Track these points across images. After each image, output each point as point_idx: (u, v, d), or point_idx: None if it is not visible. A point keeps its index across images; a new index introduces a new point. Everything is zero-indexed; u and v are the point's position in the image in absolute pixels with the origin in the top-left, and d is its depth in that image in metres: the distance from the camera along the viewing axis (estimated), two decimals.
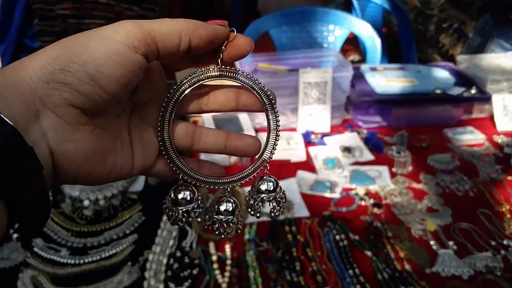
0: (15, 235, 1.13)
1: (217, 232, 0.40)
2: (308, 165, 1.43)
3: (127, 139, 0.39)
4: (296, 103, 1.54)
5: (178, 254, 1.07)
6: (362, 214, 1.24)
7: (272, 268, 1.05)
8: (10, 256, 1.08)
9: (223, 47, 0.38)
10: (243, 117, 1.44)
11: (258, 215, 0.40)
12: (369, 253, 1.10)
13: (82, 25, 1.99)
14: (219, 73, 0.38)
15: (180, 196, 0.39)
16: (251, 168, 0.41)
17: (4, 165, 0.28)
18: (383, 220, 1.21)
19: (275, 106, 0.39)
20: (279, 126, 0.41)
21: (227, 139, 0.41)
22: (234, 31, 0.38)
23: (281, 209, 0.41)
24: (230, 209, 0.39)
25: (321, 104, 1.53)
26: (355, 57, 2.91)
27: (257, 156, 0.41)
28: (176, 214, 0.39)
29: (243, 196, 1.26)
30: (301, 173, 1.39)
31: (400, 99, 1.61)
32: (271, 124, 0.40)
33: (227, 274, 1.03)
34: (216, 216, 0.39)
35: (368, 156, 1.47)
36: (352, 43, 2.75)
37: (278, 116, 0.40)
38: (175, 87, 0.38)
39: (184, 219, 0.39)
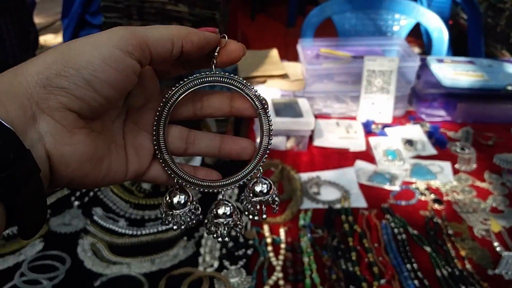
0: (76, 203, 1.17)
1: (215, 235, 0.40)
2: (367, 155, 1.39)
3: (121, 143, 0.39)
4: (357, 91, 1.50)
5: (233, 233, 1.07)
6: (422, 209, 1.19)
7: (327, 256, 1.03)
8: (71, 222, 1.12)
9: (216, 53, 0.38)
10: (302, 101, 1.42)
11: (254, 217, 0.41)
12: (428, 249, 1.06)
13: (145, 3, 2.02)
14: (213, 78, 0.39)
15: (175, 199, 0.39)
16: (244, 171, 0.41)
17: (2, 167, 0.29)
18: (443, 216, 1.17)
19: (267, 111, 0.39)
20: (272, 130, 0.41)
21: (221, 143, 0.42)
22: (225, 37, 0.39)
23: (277, 209, 0.41)
24: (228, 212, 0.39)
25: (385, 93, 1.49)
26: (415, 49, 2.82)
27: (250, 162, 0.41)
28: (172, 217, 0.39)
29: (298, 181, 1.24)
30: (359, 163, 1.35)
31: (468, 93, 1.53)
32: (264, 129, 0.40)
33: (281, 257, 1.02)
34: (215, 220, 0.39)
35: (431, 150, 1.41)
36: (413, 35, 2.65)
37: (270, 121, 0.40)
38: (170, 92, 0.39)
39: (180, 222, 0.40)
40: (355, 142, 1.43)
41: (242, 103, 0.41)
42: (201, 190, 0.41)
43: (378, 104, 1.50)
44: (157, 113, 0.39)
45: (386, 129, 1.49)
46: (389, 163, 1.34)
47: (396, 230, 1.11)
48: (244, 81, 0.39)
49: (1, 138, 0.29)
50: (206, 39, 0.37)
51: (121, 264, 1.00)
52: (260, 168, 0.40)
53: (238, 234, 0.42)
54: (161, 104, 0.39)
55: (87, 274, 0.97)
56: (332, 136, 1.43)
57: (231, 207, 0.40)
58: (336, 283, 0.96)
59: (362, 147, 1.42)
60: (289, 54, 1.77)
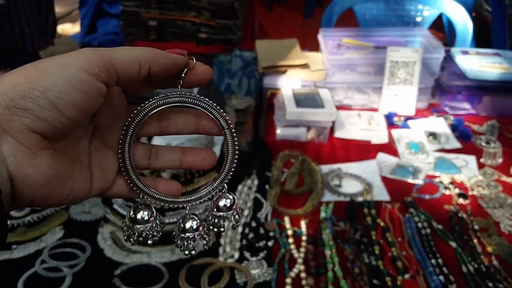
0: None
1: (181, 249, 0.41)
2: (389, 148, 1.36)
3: (86, 162, 0.39)
4: (380, 82, 1.47)
5: (254, 224, 1.06)
6: (446, 203, 1.17)
7: (350, 249, 1.01)
8: (91, 210, 1.11)
9: (183, 75, 0.39)
10: (324, 92, 1.40)
11: (219, 230, 0.41)
12: (453, 244, 1.03)
13: None
14: (179, 99, 0.39)
15: (139, 215, 0.40)
16: (209, 187, 0.42)
17: None
18: (469, 211, 1.14)
19: (233, 130, 0.40)
20: (237, 150, 0.42)
21: (182, 155, 0.42)
22: (193, 60, 0.39)
23: (238, 223, 0.42)
24: (195, 226, 0.40)
25: (408, 85, 1.45)
26: None
27: (215, 178, 0.43)
28: (133, 232, 0.40)
29: (319, 173, 1.22)
30: (382, 156, 1.32)
31: (494, 86, 1.49)
32: (230, 146, 0.41)
33: (302, 249, 1.01)
34: (181, 234, 0.40)
35: (455, 143, 1.38)
36: (433, 27, 2.60)
37: (235, 140, 0.41)
38: (135, 111, 0.39)
39: (141, 238, 0.40)
40: (377, 134, 1.40)
41: (208, 122, 0.41)
42: (166, 206, 0.42)
43: (401, 96, 1.47)
44: (123, 132, 0.40)
45: (409, 122, 1.46)
46: (412, 156, 1.31)
47: (420, 225, 1.09)
48: (210, 102, 0.40)
49: None
50: (173, 61, 0.38)
51: (141, 253, 0.99)
52: (225, 184, 0.42)
53: (206, 247, 0.42)
54: (127, 123, 0.39)
55: (107, 262, 0.96)
56: (354, 128, 1.41)
57: (198, 221, 0.41)
58: (359, 277, 0.94)
59: (385, 140, 1.39)
60: (308, 45, 1.74)
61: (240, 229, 1.06)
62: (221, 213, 0.41)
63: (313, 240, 1.04)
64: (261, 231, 1.04)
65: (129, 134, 0.39)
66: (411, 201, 1.16)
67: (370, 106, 1.52)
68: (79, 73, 0.33)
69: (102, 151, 0.40)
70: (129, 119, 0.39)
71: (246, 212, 1.11)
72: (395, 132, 1.41)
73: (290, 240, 1.03)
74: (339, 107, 1.48)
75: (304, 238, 1.04)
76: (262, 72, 1.47)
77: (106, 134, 0.40)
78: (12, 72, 0.33)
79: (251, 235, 1.03)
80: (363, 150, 1.35)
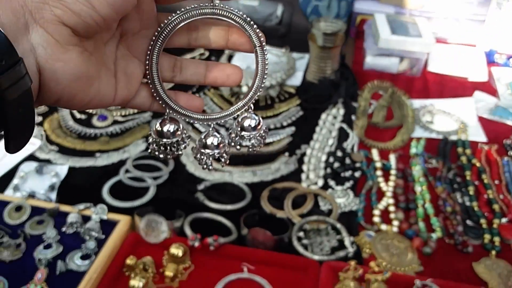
0: None
1: (199, 163, 0.40)
2: (488, 86, 1.25)
3: (112, 68, 0.37)
4: (483, 15, 1.33)
5: (339, 154, 1.01)
6: None
7: (442, 187, 0.94)
8: None
9: None
10: (421, 21, 1.28)
11: (238, 147, 0.40)
12: None
13: None
14: (212, 10, 0.37)
15: (165, 128, 0.39)
16: (235, 107, 0.40)
17: None
18: None
19: (265, 48, 0.38)
20: (267, 69, 0.39)
21: (207, 70, 0.40)
22: None
23: (260, 146, 0.41)
24: (216, 143, 0.39)
25: None
26: None
27: (242, 96, 0.40)
28: (160, 146, 0.39)
29: (410, 107, 1.14)
30: (479, 94, 1.21)
31: None
32: (259, 65, 0.38)
33: (391, 183, 0.95)
34: (202, 150, 0.39)
35: None
36: None
37: (266, 59, 0.38)
38: (166, 21, 0.37)
39: (167, 152, 0.40)
40: (475, 71, 1.28)
41: (239, 38, 0.39)
42: (191, 121, 0.40)
43: (505, 31, 1.32)
44: (152, 41, 0.38)
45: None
46: None
47: None
48: (244, 16, 0.37)
49: None
50: None
51: (223, 171, 0.97)
52: (251, 105, 0.39)
53: (223, 165, 0.41)
54: (157, 32, 0.38)
55: (190, 177, 0.95)
56: (450, 62, 1.29)
57: (219, 138, 0.39)
58: (451, 215, 0.88)
59: (483, 78, 1.27)
60: None
61: (324, 157, 1.01)
62: (245, 133, 0.39)
63: (403, 175, 0.98)
64: (347, 161, 0.99)
65: (158, 43, 0.38)
66: (510, 143, 1.06)
67: (470, 41, 1.38)
68: None
69: (127, 59, 0.38)
70: (159, 28, 0.38)
71: (330, 142, 1.06)
72: (496, 71, 1.29)
73: (378, 172, 0.97)
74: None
75: (393, 172, 0.98)
76: None
77: (133, 41, 0.38)
78: None
79: (336, 164, 0.98)
80: (459, 87, 1.24)
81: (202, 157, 0.40)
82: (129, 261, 0.72)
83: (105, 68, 0.36)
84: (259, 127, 0.40)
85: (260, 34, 0.37)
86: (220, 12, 0.37)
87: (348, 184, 0.94)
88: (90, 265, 0.73)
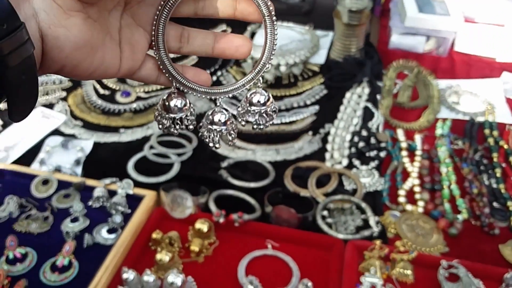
0: None
1: (206, 140, 0.39)
2: None
3: (116, 37, 0.36)
4: None
5: (364, 133, 0.99)
6: None
7: (468, 169, 0.93)
8: (196, 103, 1.09)
9: None
10: None
11: (243, 124, 0.39)
12: None
13: None
14: None
15: (172, 103, 0.38)
16: (244, 80, 0.38)
17: None
18: None
19: (274, 18, 0.36)
20: (276, 40, 0.37)
21: (215, 41, 0.39)
22: None
23: (267, 124, 0.40)
24: (223, 120, 0.38)
25: None
26: None
27: (250, 71, 0.39)
28: (167, 120, 0.38)
29: (435, 88, 1.12)
30: (507, 76, 1.19)
31: None
32: (268, 36, 0.37)
33: (416, 164, 0.94)
34: (210, 126, 0.38)
35: None
36: None
37: (276, 30, 0.37)
38: None
39: (175, 126, 0.39)
40: (504, 51, 1.25)
41: (247, 7, 0.37)
42: (198, 95, 0.39)
43: None
44: (158, 11, 0.36)
45: None
46: None
47: None
48: None
49: None
50: None
51: (246, 150, 0.97)
52: (260, 78, 0.38)
53: (231, 143, 0.40)
54: (163, 1, 0.36)
55: (213, 154, 0.95)
56: (478, 42, 1.26)
57: (226, 115, 0.38)
58: (478, 197, 0.87)
59: None
60: None
61: (348, 136, 1.00)
62: (254, 108, 0.38)
63: (429, 155, 0.96)
64: (372, 141, 0.98)
65: (164, 13, 0.36)
66: None
67: (498, 21, 1.34)
68: None
69: (132, 28, 0.37)
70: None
71: (355, 121, 1.05)
72: None
73: (404, 153, 0.96)
74: None
75: (418, 152, 0.97)
76: None
77: (138, 9, 0.37)
78: None
79: (361, 144, 0.97)
80: (486, 68, 1.22)
81: (209, 133, 0.39)
82: (155, 235, 0.73)
83: (109, 37, 0.35)
84: (268, 103, 0.39)
85: (269, 3, 0.36)
86: None
87: (373, 164, 0.94)
88: (117, 239, 0.74)
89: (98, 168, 0.91)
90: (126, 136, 1.00)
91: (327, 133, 1.02)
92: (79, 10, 0.32)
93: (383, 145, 0.98)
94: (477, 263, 0.73)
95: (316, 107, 1.09)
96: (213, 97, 0.39)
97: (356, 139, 0.99)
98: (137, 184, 0.85)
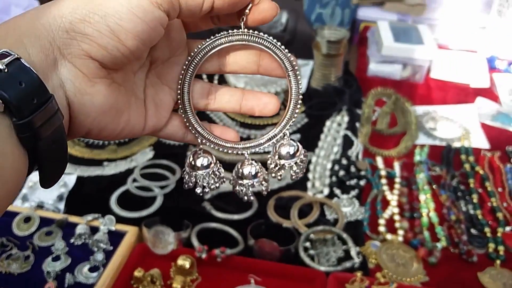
0: None
1: (240, 195, 0.39)
2: (490, 93, 1.26)
3: (141, 97, 0.37)
4: (484, 21, 1.33)
5: (344, 162, 1.01)
6: None
7: (446, 196, 0.95)
8: None
9: (247, 10, 0.36)
10: (423, 28, 1.29)
11: (279, 178, 0.39)
12: None
13: None
14: (241, 37, 0.37)
15: (198, 161, 0.38)
16: (270, 133, 0.39)
17: (27, 111, 0.28)
18: None
19: (297, 72, 0.37)
20: (301, 94, 0.38)
21: (243, 98, 0.40)
22: None
23: (302, 172, 0.40)
24: (254, 172, 0.39)
25: None
26: None
27: (277, 124, 0.39)
28: (194, 179, 0.39)
29: (413, 114, 1.14)
30: (481, 101, 1.22)
31: None
32: (293, 90, 0.37)
33: (396, 191, 0.96)
34: (240, 181, 0.39)
35: None
36: None
37: (300, 83, 0.38)
38: (197, 49, 0.37)
39: (203, 184, 0.39)
40: (477, 77, 1.29)
41: (271, 63, 0.38)
42: (225, 151, 0.39)
43: (506, 37, 1.33)
44: (183, 70, 0.38)
45: None
46: None
47: None
48: (274, 41, 0.37)
49: (24, 80, 0.28)
50: None
51: (229, 179, 0.98)
52: (287, 131, 0.39)
53: (265, 193, 0.40)
54: (188, 60, 0.37)
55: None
56: (452, 69, 1.30)
57: (257, 167, 0.39)
58: (456, 224, 0.89)
59: (485, 84, 1.28)
60: None
61: (329, 165, 1.02)
62: (283, 161, 0.38)
63: (407, 183, 0.98)
64: (352, 169, 1.00)
65: (189, 71, 0.37)
66: None
67: (471, 47, 1.39)
68: (142, 0, 0.31)
69: (158, 87, 0.38)
70: (190, 56, 0.37)
71: (335, 149, 1.07)
72: (497, 77, 1.30)
73: (383, 181, 0.98)
74: (441, 46, 1.37)
75: (397, 180, 0.99)
76: (357, 3, 1.37)
77: (163, 69, 0.38)
78: None
79: (341, 173, 0.99)
80: (461, 94, 1.25)
81: (242, 188, 0.39)
82: (137, 273, 0.73)
83: (134, 98, 0.36)
84: (298, 153, 0.39)
85: (292, 59, 0.37)
86: (250, 38, 0.37)
87: (353, 192, 0.95)
88: (99, 277, 0.74)
89: (81, 203, 0.91)
90: (109, 169, 1.01)
91: (309, 162, 1.04)
92: (103, 76, 0.33)
93: (363, 173, 1.00)
94: None
95: (298, 136, 1.11)
96: (239, 153, 0.40)
97: (336, 167, 1.01)
98: (120, 219, 0.85)
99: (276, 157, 0.39)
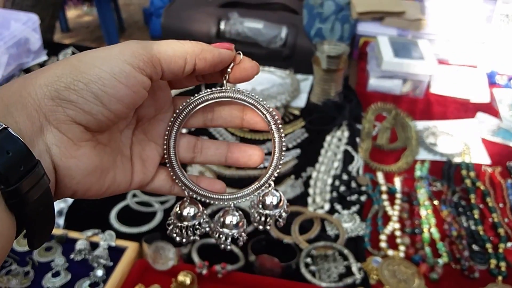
0: (184, 130, 1.15)
1: (217, 242, 0.40)
2: (490, 108, 1.26)
3: (128, 154, 0.38)
4: (485, 36, 1.34)
5: (345, 177, 1.01)
6: None
7: (447, 211, 0.95)
8: None
9: (229, 69, 0.38)
10: (423, 43, 1.30)
11: (261, 227, 0.40)
12: None
13: None
14: (225, 94, 0.38)
15: (185, 212, 0.39)
16: (256, 185, 0.40)
17: (14, 179, 0.29)
18: None
19: (280, 126, 0.38)
20: (284, 146, 0.39)
21: (228, 151, 0.41)
22: (240, 54, 0.38)
23: (285, 218, 0.40)
24: (235, 222, 0.39)
25: None
26: None
27: (261, 175, 0.41)
28: (180, 229, 0.40)
29: (413, 129, 1.15)
30: (481, 116, 1.22)
31: None
32: (276, 143, 0.39)
33: (397, 207, 0.96)
34: (220, 229, 0.40)
35: None
36: None
37: (283, 137, 0.39)
38: (181, 107, 0.39)
39: (188, 234, 0.40)
40: (477, 92, 1.29)
41: (254, 117, 0.40)
42: (211, 202, 0.40)
43: (506, 52, 1.34)
44: (169, 126, 0.39)
45: None
46: None
47: None
48: (256, 97, 0.38)
49: (11, 149, 0.29)
50: (220, 57, 0.37)
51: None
52: (271, 182, 0.40)
53: (241, 243, 0.41)
54: (173, 117, 0.39)
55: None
56: (452, 84, 1.31)
57: (238, 216, 0.40)
58: (457, 240, 0.89)
59: (485, 99, 1.28)
60: None
61: (330, 180, 1.02)
62: (267, 211, 0.39)
63: (408, 198, 0.98)
64: (353, 184, 1.00)
65: (175, 128, 0.39)
66: None
67: (471, 62, 1.40)
68: (124, 66, 0.33)
69: (144, 143, 0.39)
70: (175, 114, 0.39)
71: (335, 164, 1.06)
72: (497, 92, 1.30)
73: (384, 196, 0.98)
74: (440, 62, 1.37)
75: (398, 195, 0.98)
76: (357, 17, 1.38)
77: (148, 125, 0.40)
78: (56, 63, 0.33)
79: (342, 188, 0.99)
80: (461, 109, 1.26)
81: (221, 236, 0.39)
82: None
83: (120, 156, 0.37)
84: (281, 204, 0.40)
85: (274, 113, 0.38)
86: (233, 95, 0.38)
87: (354, 208, 0.95)
88: None
89: (81, 219, 0.91)
90: None
91: (309, 177, 1.03)
92: (89, 139, 0.34)
93: (363, 188, 0.99)
94: None
95: (298, 151, 1.11)
96: (225, 203, 0.40)
97: (337, 183, 1.01)
98: (120, 234, 0.85)
99: (260, 206, 0.40)
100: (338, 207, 0.95)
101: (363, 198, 0.97)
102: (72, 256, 0.80)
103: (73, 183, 0.34)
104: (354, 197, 0.97)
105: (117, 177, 0.37)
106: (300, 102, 1.28)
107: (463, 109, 1.26)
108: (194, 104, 0.38)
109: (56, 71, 0.32)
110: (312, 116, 1.21)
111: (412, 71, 1.22)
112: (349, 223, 0.91)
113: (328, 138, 1.14)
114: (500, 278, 0.83)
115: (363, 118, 1.20)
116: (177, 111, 0.39)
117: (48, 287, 0.74)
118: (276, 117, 0.38)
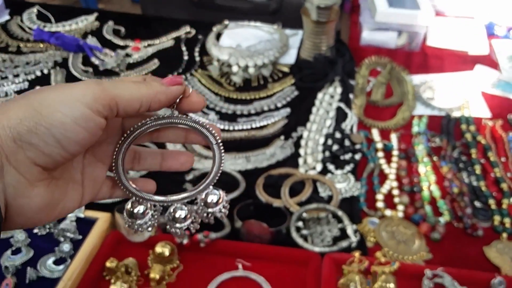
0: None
1: (172, 233, 0.44)
2: (489, 60, 1.19)
3: (79, 179, 0.40)
4: None
5: (338, 135, 0.94)
6: None
7: (447, 167, 0.88)
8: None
9: (177, 101, 0.41)
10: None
11: (208, 221, 0.44)
12: None
13: None
14: (171, 120, 0.42)
15: (135, 210, 0.42)
16: (196, 188, 0.44)
17: None
18: None
19: (220, 144, 0.43)
20: (223, 160, 0.44)
21: (162, 159, 0.45)
22: (190, 88, 0.41)
23: (226, 213, 0.44)
24: (183, 215, 0.43)
25: None
26: None
27: (201, 183, 0.45)
28: (133, 225, 0.43)
29: (410, 84, 1.07)
30: (480, 68, 1.15)
31: None
32: (216, 160, 0.43)
33: (394, 165, 0.89)
34: (172, 224, 0.43)
35: None
36: None
37: (222, 152, 0.43)
38: (128, 132, 0.42)
39: (140, 229, 0.43)
40: (476, 44, 1.22)
41: (197, 137, 0.43)
42: (155, 204, 0.43)
43: (503, 2, 1.26)
44: (117, 148, 0.42)
45: None
46: None
47: None
48: (199, 120, 0.42)
49: None
50: (172, 95, 0.39)
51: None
52: (211, 187, 0.44)
53: (194, 230, 0.44)
54: (121, 140, 0.42)
55: None
56: (449, 36, 1.23)
57: (186, 210, 0.43)
58: (458, 197, 0.83)
59: (484, 51, 1.21)
60: None
61: (322, 140, 0.95)
62: (209, 209, 0.43)
63: (406, 155, 0.92)
64: (347, 143, 0.93)
65: (123, 149, 0.42)
66: None
67: (469, 14, 1.32)
68: (85, 110, 0.34)
69: (93, 164, 0.41)
70: (123, 137, 0.41)
71: (328, 122, 0.99)
72: (496, 43, 1.23)
73: (380, 154, 0.92)
74: None
75: (395, 152, 0.92)
76: None
77: (99, 148, 0.41)
78: (18, 102, 0.34)
79: (335, 147, 0.92)
80: (459, 61, 1.18)
81: (174, 230, 0.43)
82: (109, 264, 0.66)
83: (72, 183, 0.39)
84: (220, 201, 0.44)
85: (216, 135, 0.42)
86: (178, 121, 0.41)
87: (348, 167, 0.89)
88: (65, 270, 0.66)
89: None
90: None
91: (300, 137, 0.97)
92: (44, 179, 0.35)
93: (358, 146, 0.93)
94: (463, 269, 0.69)
95: (288, 110, 1.04)
96: (169, 205, 0.43)
97: (329, 142, 0.94)
98: (89, 205, 0.78)
99: (202, 204, 0.43)
100: (331, 167, 0.89)
101: (357, 156, 0.91)
102: (35, 230, 0.73)
103: (23, 220, 0.35)
104: (348, 156, 0.91)
105: (66, 205, 0.38)
106: (290, 58, 1.20)
107: (461, 61, 1.18)
108: (141, 129, 0.41)
109: (18, 113, 0.33)
110: (302, 72, 1.13)
111: (408, 22, 1.14)
112: (343, 183, 0.85)
113: (319, 95, 1.07)
114: (504, 235, 0.78)
115: (357, 73, 1.12)
116: (125, 135, 0.41)
117: (6, 266, 0.67)
118: (218, 138, 0.42)
